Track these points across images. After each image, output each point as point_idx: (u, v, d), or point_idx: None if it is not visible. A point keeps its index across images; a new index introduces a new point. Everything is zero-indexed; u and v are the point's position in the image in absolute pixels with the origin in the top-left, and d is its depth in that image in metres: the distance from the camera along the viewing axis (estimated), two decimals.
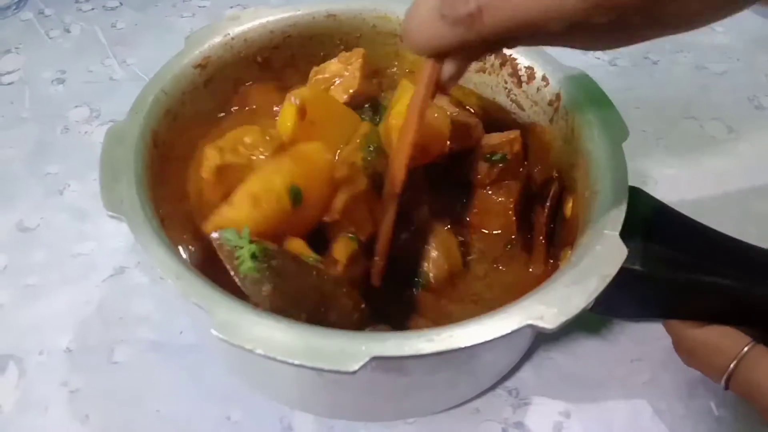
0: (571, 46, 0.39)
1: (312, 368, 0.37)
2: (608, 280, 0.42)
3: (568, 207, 0.55)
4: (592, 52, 0.90)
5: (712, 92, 0.86)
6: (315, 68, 0.61)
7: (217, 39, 0.58)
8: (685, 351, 0.52)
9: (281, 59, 0.63)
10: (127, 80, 0.85)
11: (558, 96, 0.57)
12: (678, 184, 0.74)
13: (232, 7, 0.97)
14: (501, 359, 0.55)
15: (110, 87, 0.84)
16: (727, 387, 0.48)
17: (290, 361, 0.37)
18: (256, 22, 0.60)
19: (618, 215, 0.46)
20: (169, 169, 0.53)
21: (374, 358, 0.38)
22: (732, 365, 0.47)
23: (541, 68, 0.59)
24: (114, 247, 0.66)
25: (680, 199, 0.72)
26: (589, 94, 0.55)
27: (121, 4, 0.97)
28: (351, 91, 0.58)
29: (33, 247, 0.66)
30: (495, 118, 0.62)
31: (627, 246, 0.44)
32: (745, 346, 0.47)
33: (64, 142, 0.77)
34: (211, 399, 0.56)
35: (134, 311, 0.62)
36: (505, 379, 0.57)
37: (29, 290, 0.63)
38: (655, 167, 0.76)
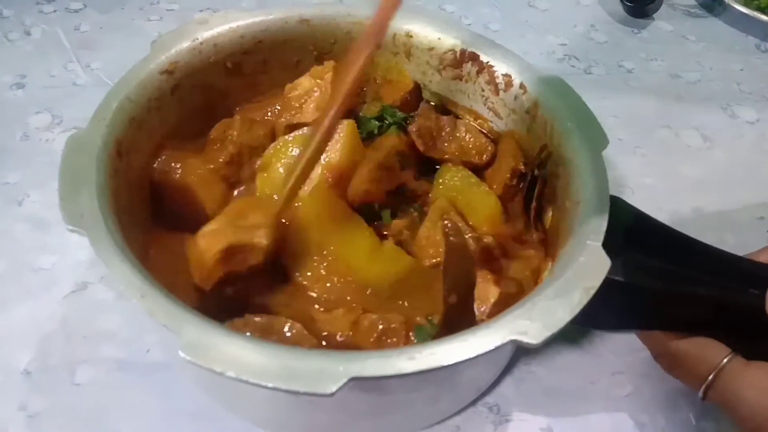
0: None
1: (287, 391, 0.36)
2: (592, 292, 0.41)
3: (548, 217, 0.54)
4: (567, 59, 0.90)
5: (686, 101, 0.87)
6: (289, 85, 0.59)
7: (185, 44, 0.56)
8: (665, 362, 0.51)
9: (252, 65, 0.61)
10: (91, 85, 0.81)
11: (536, 104, 0.56)
12: (655, 192, 0.74)
13: (201, 11, 0.94)
14: (482, 374, 0.53)
15: (73, 92, 0.80)
16: (704, 397, 0.48)
17: (263, 384, 0.36)
18: (226, 27, 0.58)
19: (600, 225, 0.45)
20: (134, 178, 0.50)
21: (353, 379, 0.36)
22: (711, 376, 0.47)
23: (519, 75, 0.58)
24: (77, 261, 0.63)
25: (658, 208, 0.72)
26: (567, 102, 0.54)
27: (85, 6, 0.94)
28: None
29: None
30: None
31: (609, 256, 0.43)
32: (724, 357, 0.47)
33: (24, 150, 0.73)
34: (180, 421, 0.53)
35: (99, 328, 0.59)
36: (485, 394, 0.56)
37: None
38: (632, 176, 0.76)
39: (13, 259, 0.63)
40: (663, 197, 0.74)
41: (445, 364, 0.37)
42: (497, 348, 0.38)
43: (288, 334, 0.44)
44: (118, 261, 0.41)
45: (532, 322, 0.39)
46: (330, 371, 0.36)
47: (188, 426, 0.53)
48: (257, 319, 0.45)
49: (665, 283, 0.48)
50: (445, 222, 0.44)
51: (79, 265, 0.63)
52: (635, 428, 0.56)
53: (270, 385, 0.36)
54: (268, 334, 0.45)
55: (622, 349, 0.60)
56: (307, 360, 0.37)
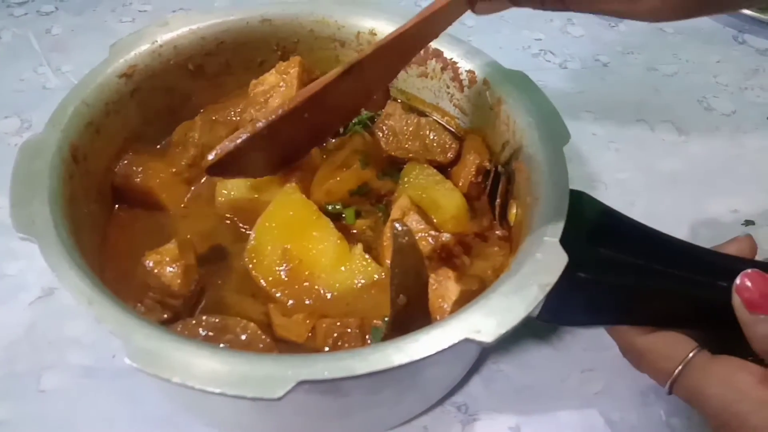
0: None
1: (234, 396, 0.35)
2: (548, 288, 0.41)
3: (512, 213, 0.53)
4: (543, 54, 0.90)
5: (662, 94, 0.86)
6: (254, 81, 0.59)
7: (145, 46, 0.56)
8: (633, 357, 0.51)
9: (215, 66, 0.60)
10: (61, 89, 0.80)
11: (499, 100, 0.55)
12: (630, 187, 0.74)
13: (174, 11, 0.93)
14: (446, 373, 0.53)
15: (43, 96, 0.80)
16: (671, 392, 0.47)
17: (209, 389, 0.35)
18: (186, 29, 0.58)
19: (558, 221, 0.44)
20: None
21: (302, 382, 0.36)
22: (677, 370, 0.46)
23: (482, 72, 0.57)
24: (44, 267, 0.61)
25: (632, 203, 0.71)
26: (530, 97, 0.54)
27: (56, 8, 0.93)
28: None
29: None
30: None
31: (571, 251, 0.42)
32: (690, 351, 0.47)
33: None
34: (147, 426, 0.53)
35: (65, 334, 0.58)
36: (453, 393, 0.56)
37: None
38: (606, 171, 0.75)
39: None
40: (637, 192, 0.73)
41: (397, 364, 0.37)
42: (451, 347, 0.38)
43: (242, 336, 0.44)
44: (67, 267, 0.40)
45: (486, 319, 0.39)
46: (278, 375, 0.36)
47: (155, 429, 0.52)
48: (212, 319, 0.45)
49: (632, 278, 0.48)
50: (395, 223, 0.43)
51: (46, 271, 0.60)
52: (606, 426, 0.55)
53: (217, 390, 0.35)
54: (222, 334, 0.44)
55: (593, 346, 0.59)
56: (256, 364, 0.36)
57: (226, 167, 0.51)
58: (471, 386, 0.56)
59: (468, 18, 0.94)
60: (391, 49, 0.48)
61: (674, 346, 0.48)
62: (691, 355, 0.46)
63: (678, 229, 0.70)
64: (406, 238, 0.43)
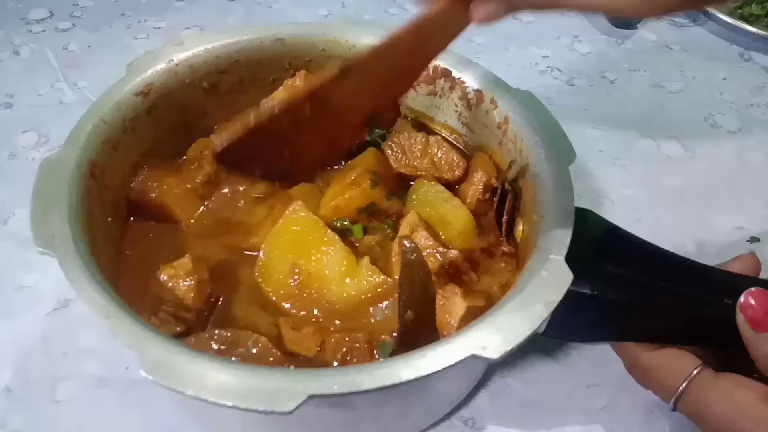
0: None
1: (246, 409, 0.36)
2: (553, 306, 0.41)
3: (519, 230, 0.54)
4: (550, 71, 0.91)
5: (668, 111, 0.87)
6: (263, 100, 0.60)
7: (161, 65, 0.57)
8: (637, 373, 0.51)
9: (229, 84, 0.61)
10: (77, 104, 0.82)
11: (506, 119, 0.56)
12: (635, 203, 0.74)
13: (188, 28, 0.95)
14: (453, 388, 0.54)
15: (60, 111, 0.82)
16: (675, 408, 0.48)
17: (222, 402, 0.36)
18: (201, 48, 0.59)
19: (563, 239, 0.45)
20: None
21: (312, 397, 0.36)
22: (681, 387, 0.47)
23: (490, 91, 0.58)
24: (60, 278, 0.61)
25: (637, 219, 0.72)
26: (536, 116, 0.55)
27: (73, 25, 0.95)
28: None
29: None
30: None
31: (577, 269, 0.43)
32: (695, 368, 0.47)
33: (10, 169, 0.75)
34: None
35: (79, 345, 0.59)
36: (460, 407, 0.56)
37: None
38: (612, 187, 0.76)
39: None
40: (643, 208, 0.74)
41: (405, 379, 0.38)
42: (458, 363, 0.39)
43: (253, 350, 0.45)
44: (85, 282, 0.42)
45: (492, 336, 0.40)
46: (289, 389, 0.37)
47: None
48: (224, 333, 0.46)
49: (637, 295, 0.48)
50: (403, 240, 0.44)
51: (62, 283, 0.61)
52: None
53: (229, 403, 0.36)
54: (234, 348, 0.45)
55: (599, 361, 0.60)
56: (266, 378, 0.37)
57: (234, 158, 0.51)
58: (478, 400, 0.57)
59: (477, 36, 0.97)
60: (389, 54, 0.48)
61: (679, 363, 0.48)
62: (695, 372, 0.47)
63: (683, 246, 0.70)
64: (414, 254, 0.44)
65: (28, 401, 0.56)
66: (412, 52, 0.49)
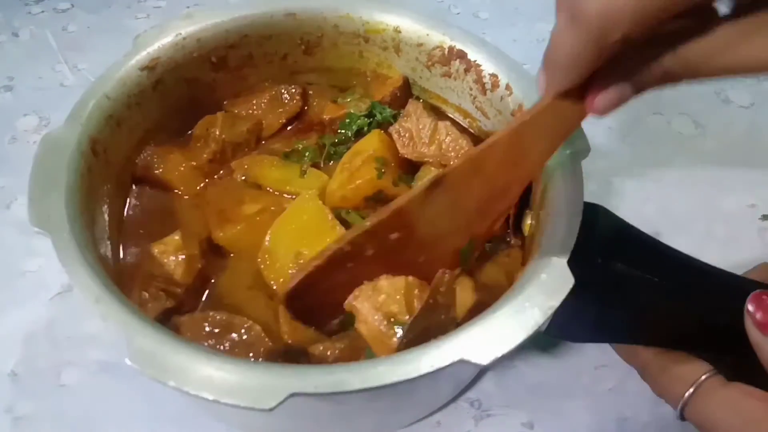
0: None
1: (227, 404, 0.35)
2: (550, 312, 0.39)
3: (527, 224, 0.52)
4: None
5: (679, 86, 0.84)
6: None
7: (168, 39, 0.55)
8: (649, 380, 0.50)
9: (238, 59, 0.60)
10: (78, 86, 0.81)
11: (521, 106, 0.55)
12: (644, 182, 0.73)
13: (188, 7, 0.93)
14: (439, 390, 0.53)
15: (61, 94, 0.81)
16: (682, 415, 0.47)
17: (203, 395, 0.35)
18: (210, 22, 0.57)
19: (569, 241, 0.43)
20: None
21: (293, 395, 0.35)
22: (688, 393, 0.46)
23: (506, 76, 0.56)
24: None
25: (646, 198, 0.71)
26: None
27: (72, 6, 0.94)
28: None
29: None
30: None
31: (583, 267, 0.41)
32: (704, 374, 0.46)
33: (12, 153, 0.74)
34: (163, 421, 0.54)
35: (84, 330, 0.59)
36: (467, 390, 0.56)
37: None
38: (621, 166, 0.74)
39: (0, 262, 0.64)
40: (652, 187, 0.72)
41: (390, 382, 0.36)
42: (446, 367, 0.37)
43: (245, 337, 0.45)
44: (78, 264, 0.40)
45: (484, 341, 0.38)
46: (271, 386, 0.36)
47: (171, 428, 0.53)
48: (218, 316, 0.45)
49: (644, 295, 0.47)
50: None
51: None
52: (617, 423, 0.55)
53: (210, 397, 0.35)
54: (226, 332, 0.45)
55: (606, 344, 0.59)
56: (250, 373, 0.36)
57: (306, 295, 0.45)
58: (484, 382, 0.57)
59: (482, 11, 0.95)
60: (487, 162, 0.42)
61: (687, 369, 0.47)
62: (703, 377, 0.46)
63: (694, 225, 0.69)
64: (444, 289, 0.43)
65: (34, 387, 0.56)
66: (514, 160, 0.42)
